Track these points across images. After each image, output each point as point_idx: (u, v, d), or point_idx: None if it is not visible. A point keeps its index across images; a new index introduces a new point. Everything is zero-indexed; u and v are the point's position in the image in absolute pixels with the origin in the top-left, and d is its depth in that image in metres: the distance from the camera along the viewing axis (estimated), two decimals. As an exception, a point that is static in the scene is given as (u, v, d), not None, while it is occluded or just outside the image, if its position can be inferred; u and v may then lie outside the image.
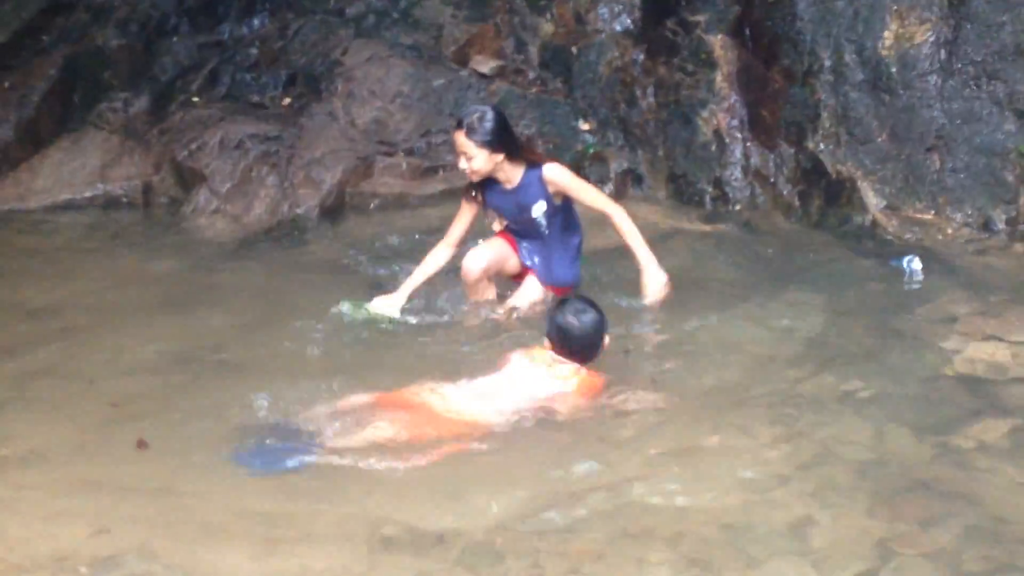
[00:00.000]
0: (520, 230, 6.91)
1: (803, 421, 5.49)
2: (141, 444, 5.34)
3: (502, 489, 5.02)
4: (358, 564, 4.44)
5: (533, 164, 6.68)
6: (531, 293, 6.97)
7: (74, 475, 5.23)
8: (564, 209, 6.83)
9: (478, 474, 5.21)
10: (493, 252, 6.98)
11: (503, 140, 6.59)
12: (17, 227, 8.90)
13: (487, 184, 6.74)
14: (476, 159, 6.54)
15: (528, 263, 7.00)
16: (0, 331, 6.95)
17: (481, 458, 5.33)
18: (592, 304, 5.89)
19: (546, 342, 5.86)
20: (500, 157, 6.58)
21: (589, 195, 6.84)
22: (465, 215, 6.93)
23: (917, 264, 7.17)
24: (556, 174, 6.67)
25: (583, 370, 5.80)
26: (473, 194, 6.85)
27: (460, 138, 6.57)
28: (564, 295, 6.60)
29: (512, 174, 6.65)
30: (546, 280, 6.97)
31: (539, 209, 6.71)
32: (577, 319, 5.78)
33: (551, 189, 6.66)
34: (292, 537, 4.64)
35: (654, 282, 6.73)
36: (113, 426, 5.64)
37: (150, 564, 4.43)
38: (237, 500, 4.95)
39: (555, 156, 7.69)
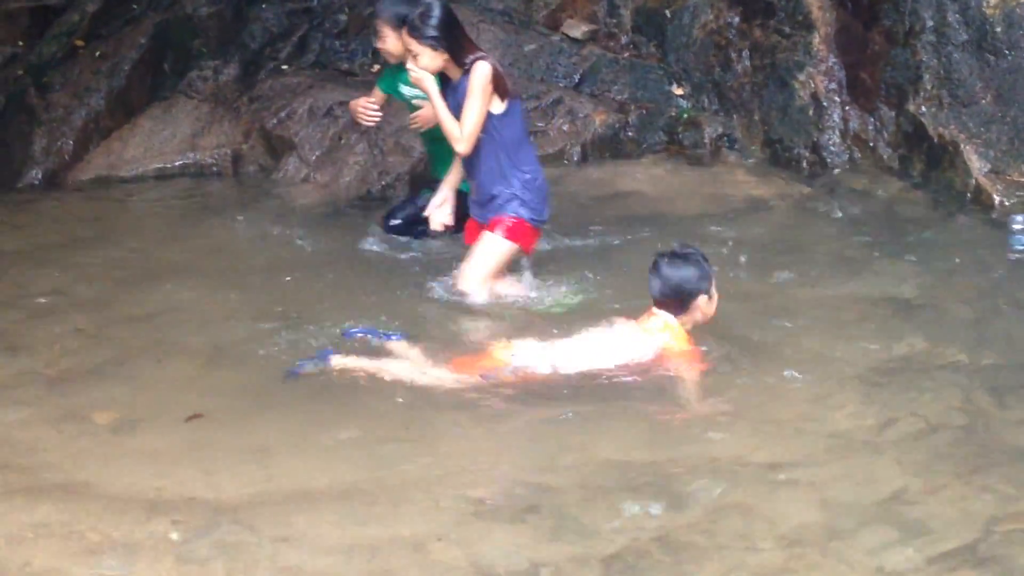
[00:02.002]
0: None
1: (898, 388, 5.45)
2: (194, 417, 5.43)
3: (591, 456, 5.03)
4: (447, 531, 4.47)
5: (474, 61, 6.40)
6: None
7: (174, 438, 5.32)
8: (507, 122, 6.47)
9: (563, 440, 5.22)
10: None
11: (449, 39, 6.37)
12: (108, 196, 9.00)
13: (443, 81, 6.48)
14: (421, 57, 6.34)
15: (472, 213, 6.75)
16: (96, 297, 7.06)
17: (568, 423, 5.34)
18: (692, 254, 5.75)
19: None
20: (445, 55, 6.37)
21: (469, 107, 6.34)
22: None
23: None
24: (474, 71, 6.31)
25: (676, 327, 5.72)
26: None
27: (404, 37, 6.40)
28: (519, 231, 6.48)
29: (455, 74, 6.43)
30: (482, 216, 6.63)
31: None
32: (668, 262, 5.69)
33: None
34: (382, 503, 4.68)
35: (440, 212, 6.84)
36: (205, 390, 5.74)
37: (241, 530, 4.50)
38: (327, 466, 5.01)
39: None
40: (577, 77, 9.58)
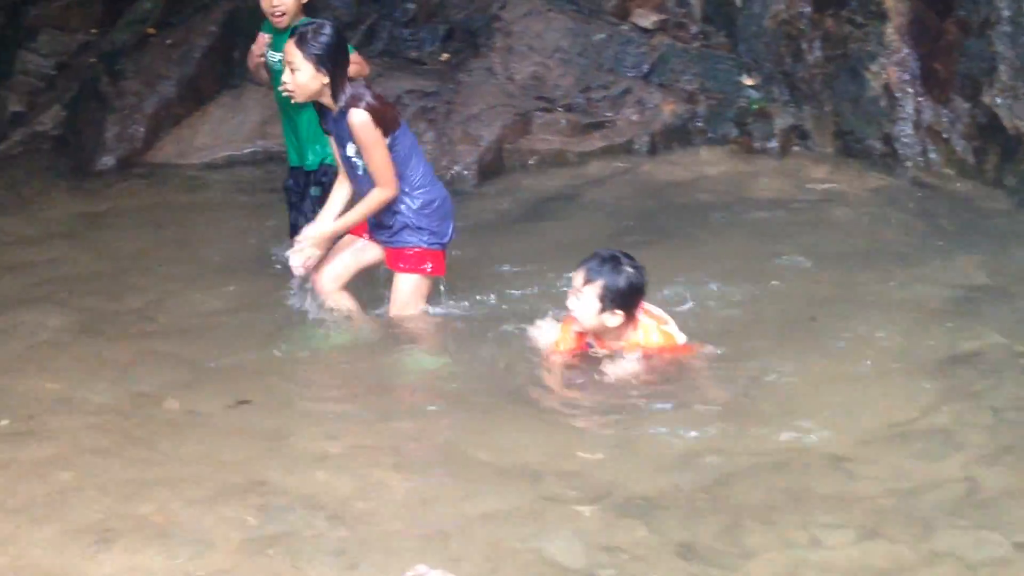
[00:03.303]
0: (348, 172, 6.34)
1: (972, 382, 5.42)
2: (239, 403, 5.49)
3: (661, 444, 5.07)
4: (519, 515, 4.51)
5: (350, 103, 6.06)
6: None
7: (236, 424, 5.41)
8: (395, 155, 6.18)
9: (634, 429, 5.25)
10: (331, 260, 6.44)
11: (333, 61, 6.03)
12: (178, 183, 9.11)
13: (325, 109, 6.20)
14: (301, 72, 5.98)
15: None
16: (170, 282, 7.16)
17: (639, 416, 5.37)
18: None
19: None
20: (326, 79, 6.02)
21: (373, 159, 6.09)
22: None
23: None
24: (354, 122, 6.01)
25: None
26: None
27: (289, 46, 6.02)
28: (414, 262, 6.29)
29: (330, 104, 6.13)
30: (381, 239, 6.39)
31: (352, 149, 6.19)
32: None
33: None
34: (450, 486, 4.74)
35: (316, 229, 6.25)
36: (276, 376, 5.81)
37: (314, 515, 4.55)
38: (394, 453, 5.08)
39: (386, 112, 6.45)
40: (646, 67, 9.55)
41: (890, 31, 8.64)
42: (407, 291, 6.32)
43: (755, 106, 9.18)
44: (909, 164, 8.47)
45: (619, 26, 9.73)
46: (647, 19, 9.70)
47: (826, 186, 8.40)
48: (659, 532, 4.35)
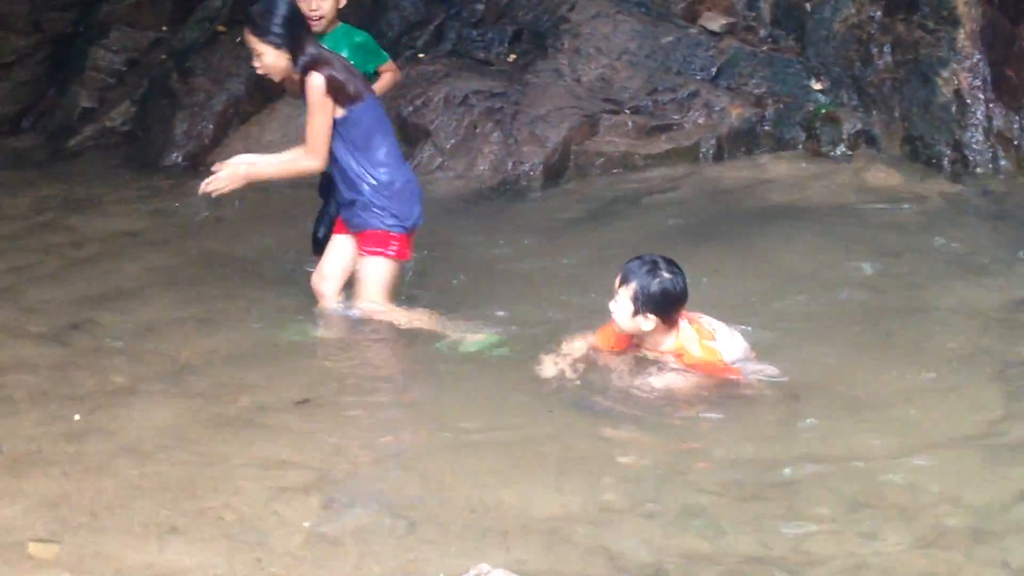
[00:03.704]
0: None
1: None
2: (302, 403, 5.51)
3: (723, 451, 5.10)
4: (581, 517, 4.55)
5: (308, 66, 6.07)
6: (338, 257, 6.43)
7: (300, 422, 5.46)
8: (350, 125, 6.17)
9: (689, 434, 5.32)
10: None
11: (290, 36, 6.06)
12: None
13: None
14: (264, 56, 6.03)
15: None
16: (231, 281, 7.22)
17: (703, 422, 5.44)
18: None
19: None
20: (287, 55, 6.03)
21: (312, 123, 6.08)
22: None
23: None
24: (308, 83, 6.03)
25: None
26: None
27: (245, 35, 6.12)
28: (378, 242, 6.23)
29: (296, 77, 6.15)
30: (346, 219, 6.37)
31: None
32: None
33: None
34: (509, 493, 4.76)
35: (229, 164, 6.28)
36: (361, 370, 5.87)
37: (378, 513, 4.62)
38: (456, 451, 5.11)
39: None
40: (714, 70, 9.55)
41: (962, 37, 8.63)
42: (372, 277, 6.27)
43: (823, 110, 9.17)
44: (979, 171, 8.43)
45: (687, 29, 9.74)
46: (716, 22, 9.70)
47: (894, 191, 8.36)
48: (720, 534, 4.37)
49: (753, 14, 9.77)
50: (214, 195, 6.20)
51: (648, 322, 5.48)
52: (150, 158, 9.53)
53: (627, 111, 9.30)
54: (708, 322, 5.68)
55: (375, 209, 6.21)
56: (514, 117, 9.12)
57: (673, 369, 5.62)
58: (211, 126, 9.49)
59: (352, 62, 6.58)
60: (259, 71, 6.17)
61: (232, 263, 7.60)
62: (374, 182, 6.19)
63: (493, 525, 4.49)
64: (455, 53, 9.98)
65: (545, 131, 8.99)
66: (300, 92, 6.16)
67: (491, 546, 4.33)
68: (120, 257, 7.82)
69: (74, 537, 4.47)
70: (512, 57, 9.81)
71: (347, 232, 6.37)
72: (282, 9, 6.06)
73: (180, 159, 9.33)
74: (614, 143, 9.11)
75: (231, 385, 5.88)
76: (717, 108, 9.23)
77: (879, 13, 9.13)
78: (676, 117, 9.21)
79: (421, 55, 9.97)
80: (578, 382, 5.70)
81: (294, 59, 6.03)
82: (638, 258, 5.56)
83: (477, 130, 9.10)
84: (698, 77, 9.51)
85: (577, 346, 5.79)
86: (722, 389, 5.58)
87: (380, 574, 4.26)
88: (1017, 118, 8.34)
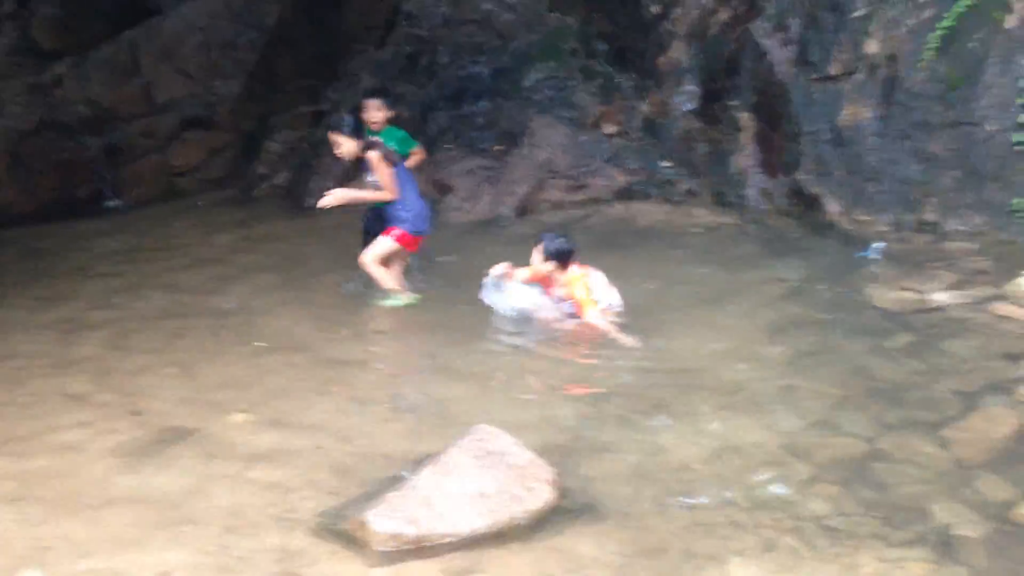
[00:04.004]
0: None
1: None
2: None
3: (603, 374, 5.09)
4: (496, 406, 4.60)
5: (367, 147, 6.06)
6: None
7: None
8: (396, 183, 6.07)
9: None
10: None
11: (357, 134, 6.08)
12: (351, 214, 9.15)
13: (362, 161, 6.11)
14: (344, 146, 6.03)
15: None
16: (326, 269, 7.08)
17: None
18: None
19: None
20: (356, 142, 6.03)
21: (382, 177, 6.02)
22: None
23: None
24: (370, 157, 6.02)
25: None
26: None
27: (336, 137, 6.01)
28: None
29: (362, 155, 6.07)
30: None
31: (371, 177, 6.12)
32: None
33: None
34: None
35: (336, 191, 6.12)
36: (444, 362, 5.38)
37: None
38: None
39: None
40: (608, 156, 9.49)
41: (744, 137, 8.68)
42: (377, 246, 6.15)
43: (669, 178, 9.23)
44: (753, 211, 8.41)
45: (594, 132, 9.73)
46: (610, 128, 9.76)
47: (708, 222, 8.39)
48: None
49: (631, 124, 9.80)
50: (327, 206, 6.11)
51: (549, 265, 5.59)
52: (297, 203, 9.58)
53: (561, 177, 9.34)
54: (594, 274, 5.67)
55: (401, 220, 6.18)
56: (498, 180, 9.20)
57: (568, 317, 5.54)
58: (332, 184, 9.44)
59: (395, 145, 6.73)
60: (338, 154, 6.11)
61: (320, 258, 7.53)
62: (404, 211, 6.18)
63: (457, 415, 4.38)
64: (466, 146, 9.93)
65: (516, 188, 9.07)
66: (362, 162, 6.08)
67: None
68: (288, 253, 7.86)
69: (260, 409, 4.55)
70: (498, 147, 9.81)
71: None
72: (351, 119, 6.17)
73: (313, 203, 9.20)
74: (554, 194, 9.17)
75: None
76: (611, 176, 9.30)
77: (700, 124, 9.23)
78: (588, 181, 9.29)
79: (448, 146, 9.95)
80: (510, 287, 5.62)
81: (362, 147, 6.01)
82: (546, 232, 5.77)
83: (479, 187, 9.15)
84: (600, 159, 9.49)
85: (519, 272, 5.77)
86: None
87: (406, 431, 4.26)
88: (774, 182, 8.40)
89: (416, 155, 7.10)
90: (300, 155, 10.39)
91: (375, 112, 6.82)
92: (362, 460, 3.96)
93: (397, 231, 6.21)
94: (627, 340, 5.35)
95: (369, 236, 6.54)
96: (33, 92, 9.89)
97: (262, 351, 5.42)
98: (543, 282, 5.77)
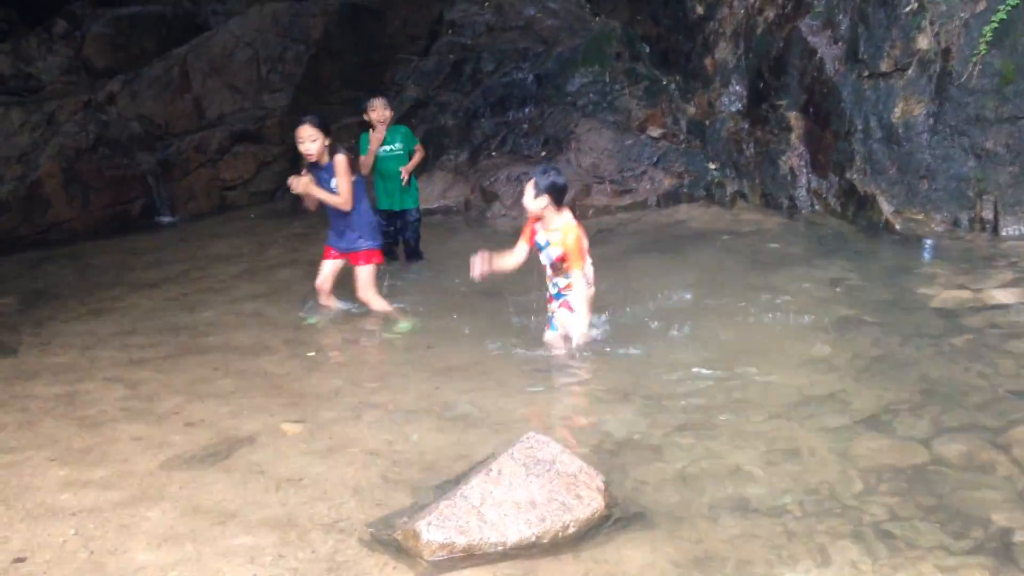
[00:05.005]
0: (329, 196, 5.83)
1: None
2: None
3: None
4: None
5: (334, 152, 5.80)
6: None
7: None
8: (358, 188, 5.86)
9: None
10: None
11: (327, 132, 5.79)
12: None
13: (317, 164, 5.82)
14: (316, 143, 5.70)
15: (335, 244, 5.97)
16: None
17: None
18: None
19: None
20: (327, 142, 5.77)
21: (342, 184, 5.77)
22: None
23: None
24: (337, 163, 5.76)
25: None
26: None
27: (307, 127, 5.65)
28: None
29: (324, 159, 5.83)
30: (341, 247, 5.97)
31: (334, 182, 5.85)
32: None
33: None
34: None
35: (304, 180, 5.75)
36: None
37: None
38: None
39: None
40: (655, 159, 9.51)
41: (793, 137, 8.66)
42: (366, 275, 6.00)
43: (716, 180, 9.22)
44: (803, 212, 8.41)
45: (640, 136, 9.76)
46: (656, 131, 9.77)
47: (756, 224, 8.36)
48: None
49: (677, 127, 9.83)
50: (294, 190, 5.85)
51: (542, 200, 5.15)
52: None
53: (607, 182, 9.36)
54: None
55: (367, 238, 5.98)
56: (545, 186, 9.21)
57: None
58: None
59: (402, 143, 6.82)
60: (304, 150, 5.72)
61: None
62: (366, 224, 5.99)
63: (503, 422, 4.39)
64: (511, 152, 10.03)
65: (562, 194, 9.08)
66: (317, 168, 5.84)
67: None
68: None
69: (312, 419, 4.58)
70: (543, 153, 9.87)
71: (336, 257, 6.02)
72: (322, 120, 5.80)
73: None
74: (600, 199, 9.21)
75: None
76: (657, 179, 9.29)
77: (747, 125, 9.18)
78: (634, 185, 9.29)
79: (494, 153, 10.03)
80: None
81: (329, 149, 5.78)
82: (540, 167, 5.33)
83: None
84: (646, 163, 9.51)
85: (504, 257, 5.37)
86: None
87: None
88: (824, 181, 8.33)
89: (419, 152, 7.23)
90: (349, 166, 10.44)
91: (382, 110, 6.99)
92: (410, 469, 3.98)
93: (371, 253, 6.03)
94: (585, 318, 5.12)
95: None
96: (87, 110, 10.13)
97: (313, 361, 5.47)
98: (532, 224, 5.29)
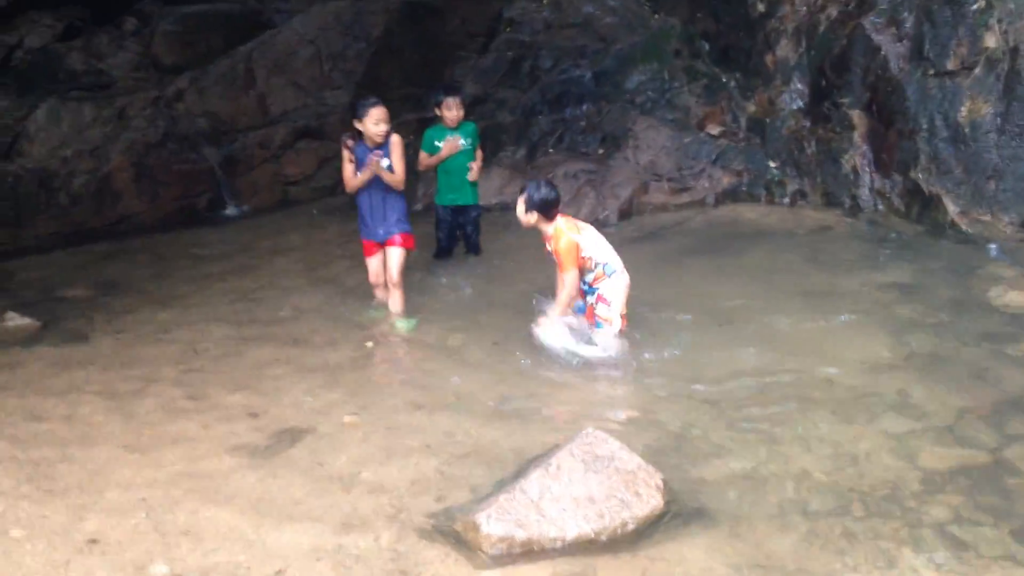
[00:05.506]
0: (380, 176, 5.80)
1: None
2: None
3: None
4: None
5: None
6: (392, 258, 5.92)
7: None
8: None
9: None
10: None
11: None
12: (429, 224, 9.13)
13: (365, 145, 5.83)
14: (382, 124, 5.76)
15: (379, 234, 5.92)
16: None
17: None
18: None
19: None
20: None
21: (400, 166, 5.85)
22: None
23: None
24: (395, 140, 5.84)
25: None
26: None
27: (383, 111, 5.71)
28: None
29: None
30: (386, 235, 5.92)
31: (386, 162, 5.88)
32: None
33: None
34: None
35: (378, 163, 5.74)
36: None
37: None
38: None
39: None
40: (714, 157, 9.40)
41: (856, 135, 8.46)
42: (399, 257, 6.02)
43: (776, 179, 9.10)
44: (866, 211, 8.22)
45: (699, 133, 9.64)
46: (715, 129, 9.66)
47: (817, 224, 8.20)
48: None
49: (736, 124, 9.72)
50: (371, 169, 5.84)
51: (532, 216, 5.27)
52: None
53: (665, 180, 9.27)
54: (585, 228, 5.38)
55: (405, 222, 6.04)
56: (602, 183, 9.17)
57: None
58: (431, 190, 9.64)
59: (470, 138, 6.82)
60: (381, 131, 5.78)
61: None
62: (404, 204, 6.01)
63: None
64: (569, 149, 9.96)
65: (619, 191, 9.03)
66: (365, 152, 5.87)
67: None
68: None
69: (371, 412, 4.64)
70: (600, 151, 9.80)
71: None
72: (381, 106, 5.81)
73: (419, 207, 9.50)
74: (657, 197, 9.10)
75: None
76: (715, 178, 9.19)
77: (808, 123, 9.05)
78: (692, 183, 9.21)
79: (551, 150, 9.98)
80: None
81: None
82: (531, 181, 5.42)
83: (581, 191, 9.11)
84: (704, 161, 9.40)
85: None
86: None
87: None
88: (888, 181, 8.18)
89: (479, 153, 7.33)
90: (407, 161, 10.50)
91: (458, 110, 7.02)
92: (467, 462, 4.01)
93: (407, 237, 6.05)
94: (562, 320, 5.14)
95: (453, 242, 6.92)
96: (156, 106, 10.35)
97: (372, 353, 5.53)
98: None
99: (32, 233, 9.11)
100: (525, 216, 5.30)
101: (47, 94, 9.97)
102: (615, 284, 5.33)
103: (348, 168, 5.95)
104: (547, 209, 5.27)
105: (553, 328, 5.30)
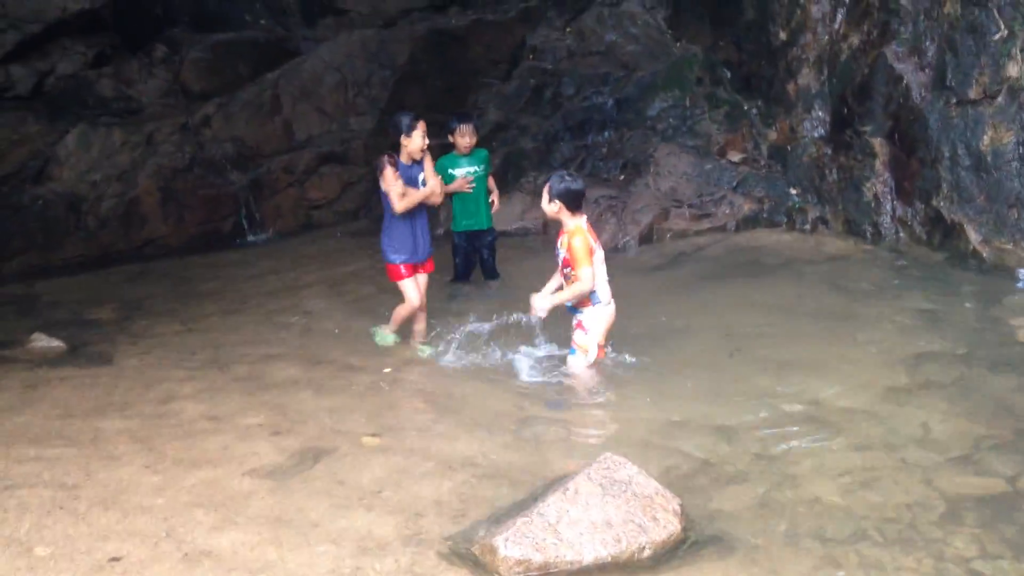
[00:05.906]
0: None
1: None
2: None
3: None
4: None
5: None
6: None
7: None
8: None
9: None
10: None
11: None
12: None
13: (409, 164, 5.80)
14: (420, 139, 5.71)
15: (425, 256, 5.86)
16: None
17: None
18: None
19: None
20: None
21: (438, 181, 5.87)
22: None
23: None
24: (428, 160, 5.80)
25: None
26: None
27: (424, 125, 5.68)
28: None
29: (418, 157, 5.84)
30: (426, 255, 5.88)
31: (422, 177, 5.85)
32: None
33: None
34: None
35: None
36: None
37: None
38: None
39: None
40: (735, 183, 9.42)
41: (878, 163, 8.46)
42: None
43: (797, 206, 9.09)
44: (887, 239, 8.20)
45: (720, 160, 9.66)
46: (736, 156, 9.68)
47: (838, 252, 8.20)
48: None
49: (757, 152, 9.72)
50: (436, 194, 5.90)
51: (555, 205, 5.18)
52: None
53: (686, 206, 9.28)
54: (599, 254, 5.28)
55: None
56: (623, 210, 9.20)
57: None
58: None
59: (483, 166, 7.06)
60: (424, 145, 5.73)
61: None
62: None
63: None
64: (591, 175, 9.98)
65: (639, 217, 9.06)
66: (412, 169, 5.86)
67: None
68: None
69: (390, 433, 4.65)
70: (621, 177, 9.84)
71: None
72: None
73: (440, 231, 9.49)
74: (678, 223, 9.11)
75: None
76: (736, 204, 9.19)
77: (830, 151, 9.04)
78: (713, 209, 9.20)
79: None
80: None
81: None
82: (556, 172, 5.38)
83: (602, 217, 9.13)
84: (725, 187, 9.42)
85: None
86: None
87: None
88: (910, 209, 8.15)
89: (491, 180, 7.41)
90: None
91: (471, 137, 7.07)
92: (486, 485, 4.02)
93: (431, 259, 6.07)
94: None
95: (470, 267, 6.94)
96: (183, 131, 10.52)
97: (392, 375, 5.56)
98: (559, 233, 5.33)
99: (60, 256, 9.28)
100: (548, 206, 5.20)
101: (77, 120, 10.16)
102: (599, 314, 5.28)
103: (399, 187, 5.69)
104: (570, 200, 5.14)
105: (546, 300, 5.22)
